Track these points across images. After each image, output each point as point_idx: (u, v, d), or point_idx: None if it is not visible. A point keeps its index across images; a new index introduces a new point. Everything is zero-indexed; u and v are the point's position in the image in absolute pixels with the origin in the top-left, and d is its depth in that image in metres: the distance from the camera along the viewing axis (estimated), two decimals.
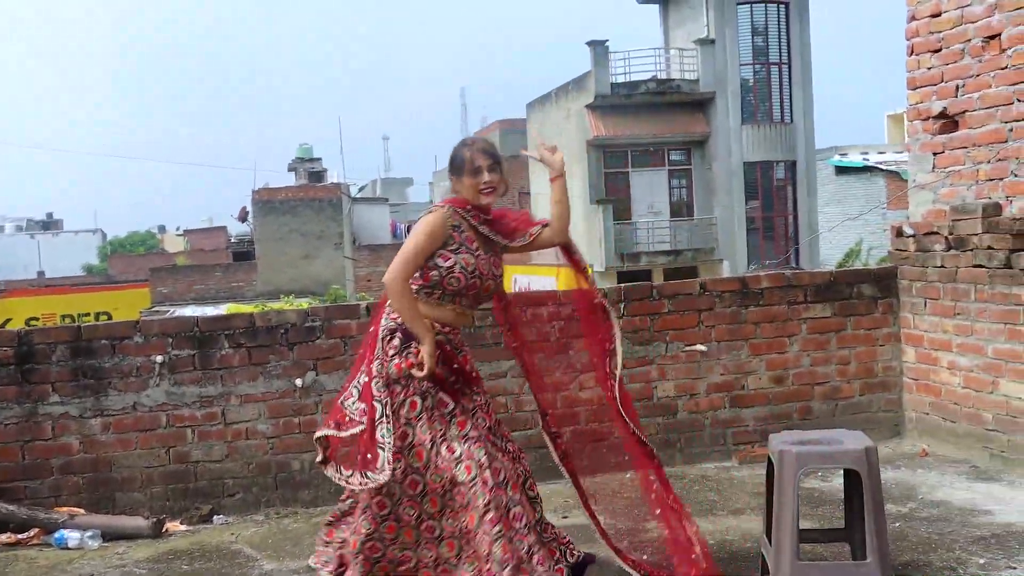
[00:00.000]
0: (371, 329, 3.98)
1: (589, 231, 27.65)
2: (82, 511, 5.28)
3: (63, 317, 34.29)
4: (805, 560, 3.82)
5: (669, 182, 28.72)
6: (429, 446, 3.78)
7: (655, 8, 31.35)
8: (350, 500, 4.09)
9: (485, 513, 3.70)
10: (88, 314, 34.79)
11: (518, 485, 3.94)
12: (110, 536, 5.14)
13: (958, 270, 5.73)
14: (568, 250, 4.39)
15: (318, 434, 3.95)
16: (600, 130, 27.34)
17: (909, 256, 6.16)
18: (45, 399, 5.37)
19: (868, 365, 6.25)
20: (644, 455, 4.33)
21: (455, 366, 3.94)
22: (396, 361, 3.81)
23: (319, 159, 52.19)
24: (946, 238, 5.82)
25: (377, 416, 3.77)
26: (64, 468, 5.40)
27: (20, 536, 5.14)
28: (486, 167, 3.93)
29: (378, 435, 3.75)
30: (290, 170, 48.87)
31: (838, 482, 5.22)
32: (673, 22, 30.39)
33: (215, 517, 5.46)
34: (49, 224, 79.44)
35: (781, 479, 3.75)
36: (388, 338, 3.86)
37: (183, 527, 5.34)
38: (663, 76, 28.37)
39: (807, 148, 28.41)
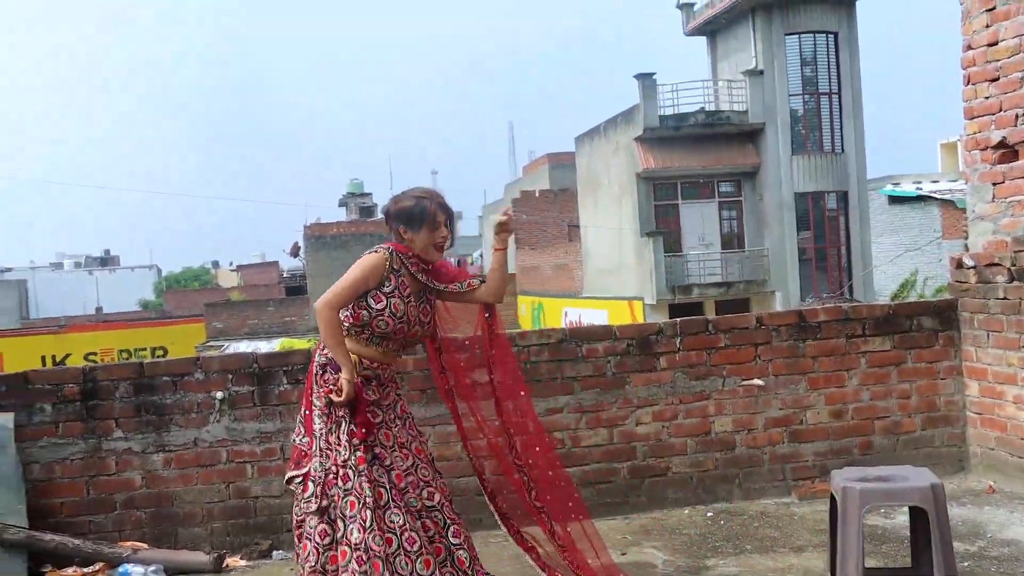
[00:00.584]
0: (310, 367, 4.13)
1: (640, 263, 27.61)
2: (145, 545, 5.34)
3: (120, 352, 34.90)
4: None
5: (720, 214, 28.63)
6: (334, 470, 3.92)
7: (703, 40, 31.41)
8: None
9: (355, 551, 3.80)
10: (144, 348, 35.36)
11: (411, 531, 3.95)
12: (172, 571, 5.19)
13: (1022, 302, 5.64)
14: (492, 313, 4.38)
15: (287, 476, 4.13)
16: (649, 162, 27.35)
17: (970, 288, 6.07)
18: (109, 435, 5.45)
19: (930, 399, 6.16)
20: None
21: (376, 399, 4.03)
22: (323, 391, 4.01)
23: (369, 194, 52.77)
24: (1008, 269, 5.73)
25: (313, 448, 3.99)
26: (127, 503, 5.47)
27: (85, 570, 5.20)
28: (443, 222, 4.08)
29: (312, 467, 3.97)
30: (341, 205, 49.48)
31: (902, 519, 5.15)
32: (721, 53, 30.43)
33: (274, 552, 5.50)
34: (107, 260, 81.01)
35: (845, 517, 3.71)
36: (320, 372, 4.04)
37: (243, 562, 5.38)
38: (712, 108, 28.37)
39: (859, 178, 28.19)
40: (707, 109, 28.19)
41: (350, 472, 3.89)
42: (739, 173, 28.20)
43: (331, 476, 3.92)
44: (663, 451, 5.87)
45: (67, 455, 5.40)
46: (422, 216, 4.03)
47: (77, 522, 5.40)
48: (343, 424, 3.93)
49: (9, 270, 67.71)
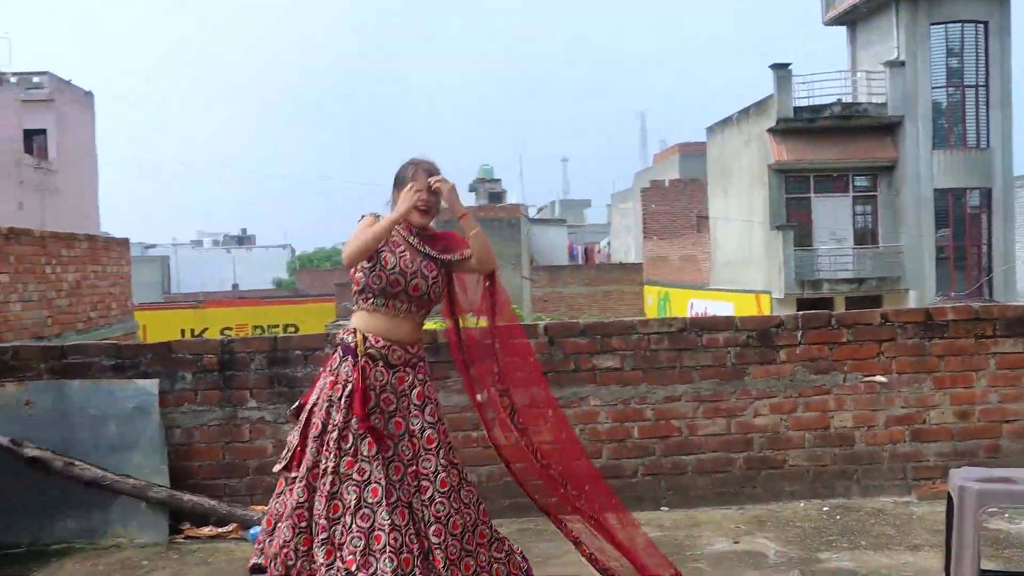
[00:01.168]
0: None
1: (768, 257, 27.17)
2: None
3: (254, 328, 36.16)
4: None
5: (853, 208, 27.89)
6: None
7: (842, 30, 30.62)
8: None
9: (339, 550, 3.80)
10: (277, 325, 36.55)
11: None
12: None
13: None
14: (491, 281, 4.22)
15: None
16: (782, 155, 26.84)
17: None
18: (244, 404, 5.74)
19: None
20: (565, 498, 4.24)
21: (386, 382, 3.94)
22: (330, 370, 3.99)
23: (499, 180, 53.18)
24: None
25: (301, 418, 4.01)
26: (259, 469, 5.76)
27: (220, 530, 5.52)
28: (423, 187, 4.02)
29: (291, 434, 4.05)
30: (470, 190, 50.01)
31: None
32: (861, 43, 29.60)
33: None
34: (243, 240, 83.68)
35: (961, 516, 3.67)
36: (331, 353, 4.10)
37: None
38: (849, 99, 27.64)
39: (1004, 174, 27.05)
40: (844, 101, 27.48)
41: (337, 478, 3.86)
42: (875, 167, 27.41)
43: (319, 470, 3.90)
44: (780, 444, 5.86)
45: (205, 421, 5.72)
46: (402, 179, 4.08)
47: (213, 485, 5.71)
48: (337, 411, 3.91)
49: (153, 247, 70.69)
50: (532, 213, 51.20)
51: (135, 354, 5.70)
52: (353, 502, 3.81)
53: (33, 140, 29.96)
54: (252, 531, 5.43)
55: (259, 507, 5.60)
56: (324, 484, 3.87)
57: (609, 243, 56.02)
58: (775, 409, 5.86)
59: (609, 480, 5.67)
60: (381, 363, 3.96)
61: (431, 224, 4.14)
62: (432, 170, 4.08)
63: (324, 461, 3.90)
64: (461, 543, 3.98)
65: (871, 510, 5.61)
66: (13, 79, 29.43)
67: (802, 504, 5.77)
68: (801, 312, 6.09)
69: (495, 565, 4.06)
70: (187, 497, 5.52)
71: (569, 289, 41.38)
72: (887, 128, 27.08)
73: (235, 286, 62.96)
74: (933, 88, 27.08)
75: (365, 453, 3.85)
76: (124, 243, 16.59)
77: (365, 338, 3.96)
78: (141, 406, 5.56)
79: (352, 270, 4.01)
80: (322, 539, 3.83)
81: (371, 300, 4.01)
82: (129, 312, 16.41)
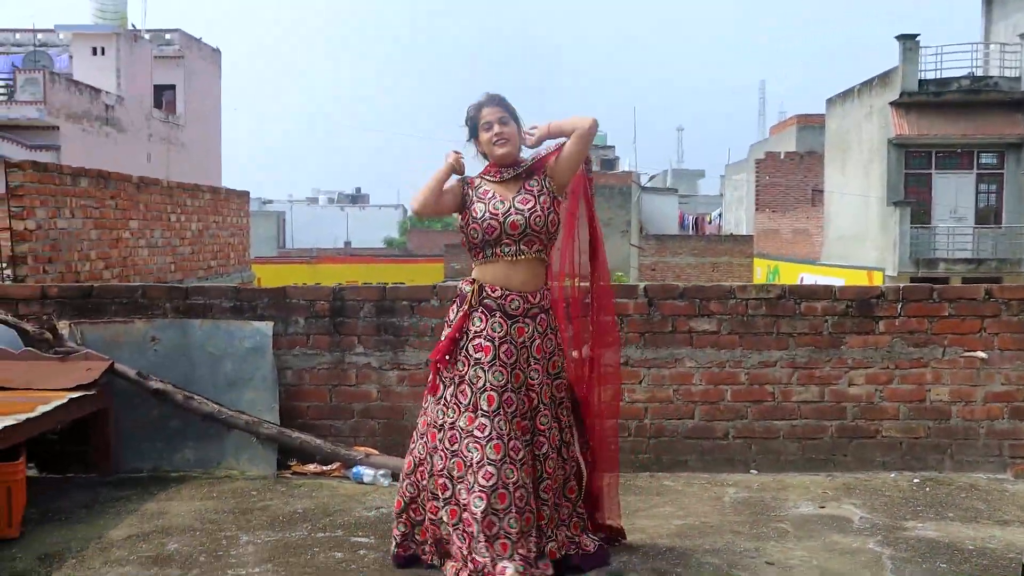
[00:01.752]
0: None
1: (884, 233, 26.56)
2: (376, 452, 5.89)
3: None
4: None
5: (976, 186, 27.00)
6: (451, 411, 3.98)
7: (977, 1, 29.52)
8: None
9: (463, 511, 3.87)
10: (386, 284, 37.26)
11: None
12: (398, 477, 5.69)
13: None
14: (584, 164, 4.23)
15: None
16: (904, 129, 26.13)
17: None
18: (351, 350, 6.02)
19: None
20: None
21: (504, 334, 3.95)
22: (447, 322, 4.10)
23: (612, 147, 52.97)
24: None
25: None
26: (363, 412, 6.04)
27: (324, 467, 5.82)
28: (496, 120, 4.06)
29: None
30: None
31: None
32: (997, 15, 28.51)
33: None
34: (357, 198, 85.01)
35: None
36: (450, 304, 4.19)
37: None
38: (980, 73, 26.69)
39: None
40: (975, 74, 26.55)
41: (457, 434, 3.93)
42: (1003, 144, 26.44)
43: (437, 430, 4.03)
44: (874, 414, 5.88)
45: (315, 364, 6.02)
46: (473, 126, 4.15)
47: (319, 425, 6.01)
48: (469, 363, 3.96)
49: (270, 202, 72.50)
50: (644, 181, 50.86)
51: (252, 298, 6.03)
52: (475, 460, 3.83)
53: (163, 95, 31.09)
54: (355, 470, 5.72)
55: (362, 448, 5.89)
56: (444, 441, 3.94)
57: (721, 214, 55.34)
58: (870, 379, 5.87)
59: (700, 441, 5.84)
60: (499, 313, 3.96)
61: (522, 155, 4.14)
62: (497, 101, 4.11)
63: (442, 416, 3.98)
64: (561, 500, 4.07)
65: (963, 484, 5.60)
66: (146, 36, 30.56)
67: (892, 475, 5.79)
68: (902, 284, 6.06)
69: (574, 519, 4.13)
70: (295, 435, 5.83)
71: (678, 259, 41.11)
72: (1019, 104, 26.07)
73: (347, 244, 64.22)
74: None
75: (485, 408, 3.86)
76: (244, 196, 17.20)
77: (481, 288, 4.00)
78: (256, 347, 5.89)
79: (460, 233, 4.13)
80: (445, 498, 3.90)
81: (480, 253, 4.05)
82: (247, 263, 17.04)
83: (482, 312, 3.97)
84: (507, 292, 3.97)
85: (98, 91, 26.11)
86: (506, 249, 3.99)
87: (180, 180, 15.37)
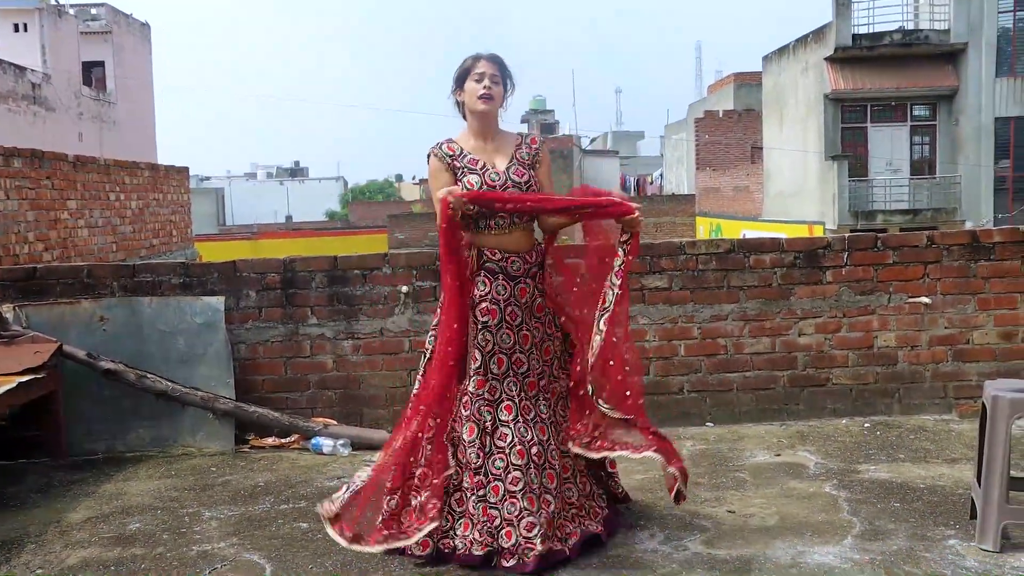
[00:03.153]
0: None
1: (823, 187, 26.93)
2: (334, 422, 5.89)
3: None
4: (1015, 505, 3.86)
5: (911, 138, 27.44)
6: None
7: None
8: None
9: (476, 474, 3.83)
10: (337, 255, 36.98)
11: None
12: (358, 446, 5.71)
13: None
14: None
15: None
16: (839, 83, 26.43)
17: None
18: (305, 321, 5.99)
19: None
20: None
21: (508, 296, 3.94)
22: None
23: (552, 111, 52.97)
24: None
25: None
26: (319, 383, 6.02)
27: (283, 440, 5.80)
28: (489, 75, 3.99)
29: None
30: (523, 121, 49.89)
31: None
32: None
33: None
34: (296, 172, 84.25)
35: (994, 424, 3.80)
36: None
37: None
38: (910, 27, 27.05)
39: None
40: (905, 28, 26.90)
41: (470, 399, 3.90)
42: (935, 96, 26.87)
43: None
44: (824, 362, 5.99)
45: (268, 338, 5.98)
46: (464, 72, 4.03)
47: (276, 398, 5.99)
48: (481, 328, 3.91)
49: (208, 179, 71.53)
50: (585, 144, 50.97)
51: (202, 273, 5.96)
52: (489, 423, 3.86)
53: (92, 72, 30.38)
54: (314, 441, 5.71)
55: (319, 419, 5.88)
56: (458, 407, 3.90)
57: (662, 175, 55.67)
58: (820, 329, 5.98)
59: (655, 396, 5.91)
60: (501, 276, 3.95)
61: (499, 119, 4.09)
62: (495, 58, 4.05)
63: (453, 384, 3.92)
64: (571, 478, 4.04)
65: (912, 427, 5.74)
66: (71, 11, 29.78)
67: (844, 421, 5.92)
68: (848, 234, 6.17)
69: (578, 475, 4.09)
70: (252, 409, 5.80)
71: None
72: (949, 56, 26.48)
73: (288, 218, 63.67)
74: (1000, 13, 26.36)
75: (495, 371, 3.89)
76: (183, 172, 16.95)
77: (480, 252, 3.96)
78: (208, 322, 5.83)
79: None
80: (464, 462, 3.86)
81: (475, 225, 3.96)
82: (189, 240, 16.82)
83: (485, 276, 3.96)
84: (507, 254, 3.97)
85: (23, 69, 25.43)
86: (500, 221, 3.97)
87: (115, 158, 15.07)
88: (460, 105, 4.10)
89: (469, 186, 3.91)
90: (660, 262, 5.95)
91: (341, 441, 5.69)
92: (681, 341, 5.97)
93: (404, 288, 5.95)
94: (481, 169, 3.98)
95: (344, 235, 43.53)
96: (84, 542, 4.29)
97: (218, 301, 5.88)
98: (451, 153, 4.01)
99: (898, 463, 5.02)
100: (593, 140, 58.68)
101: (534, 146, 4.13)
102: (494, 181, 3.96)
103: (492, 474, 3.82)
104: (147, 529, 4.42)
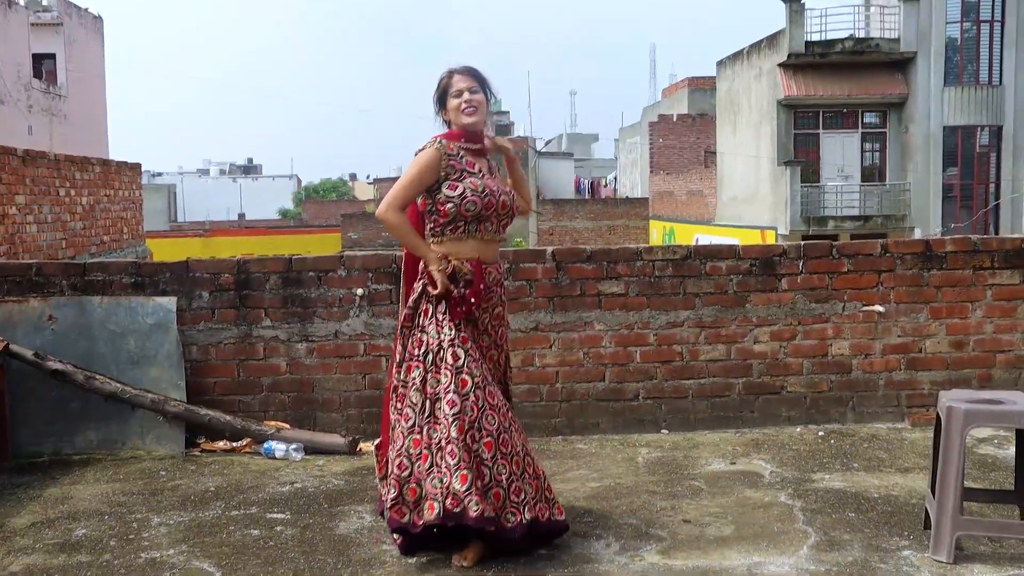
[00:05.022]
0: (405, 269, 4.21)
1: (775, 193, 27.19)
2: (287, 426, 5.81)
3: None
4: (968, 516, 3.90)
5: (861, 145, 27.83)
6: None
7: None
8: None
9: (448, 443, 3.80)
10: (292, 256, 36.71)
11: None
12: (311, 450, 5.64)
13: None
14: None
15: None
16: (791, 90, 26.72)
17: None
18: (258, 323, 5.90)
19: None
20: None
21: (473, 300, 3.97)
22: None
23: (507, 112, 52.93)
24: None
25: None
26: (273, 386, 5.93)
27: (235, 444, 5.71)
28: (467, 88, 4.03)
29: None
30: None
31: (1014, 451, 5.20)
32: None
33: None
34: (249, 169, 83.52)
35: (948, 435, 3.83)
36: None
37: (374, 447, 5.79)
38: (862, 34, 27.41)
39: (1017, 112, 26.82)
40: (857, 36, 27.25)
41: (449, 357, 3.88)
42: (885, 104, 27.28)
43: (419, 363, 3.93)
44: (779, 370, 6.02)
45: (221, 339, 5.89)
46: (443, 91, 4.07)
47: (228, 401, 5.90)
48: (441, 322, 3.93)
49: (160, 175, 70.60)
50: (539, 146, 51.03)
51: (154, 272, 5.85)
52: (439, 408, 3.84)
53: (42, 64, 29.83)
54: (266, 445, 5.63)
55: (272, 423, 5.80)
56: (408, 398, 3.90)
57: (616, 178, 55.90)
58: (775, 336, 6.01)
59: (611, 403, 5.92)
60: (470, 288, 4.00)
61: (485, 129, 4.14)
62: (470, 71, 4.08)
63: (405, 376, 3.96)
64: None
65: (865, 435, 5.79)
66: (22, 2, 29.21)
67: (798, 429, 5.95)
68: (803, 242, 6.21)
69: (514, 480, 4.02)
70: (203, 412, 5.70)
71: (575, 223, 41.43)
72: (899, 64, 26.90)
73: (241, 216, 63.05)
74: (948, 23, 26.78)
75: (450, 363, 3.86)
76: (136, 168, 16.69)
77: (460, 263, 3.96)
78: (160, 323, 5.73)
79: (434, 204, 3.96)
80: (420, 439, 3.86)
81: (462, 227, 3.98)
82: (141, 237, 16.57)
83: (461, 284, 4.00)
84: (484, 265, 4.04)
85: None
86: (489, 227, 4.04)
87: (65, 153, 14.79)
88: (448, 124, 4.12)
89: (473, 187, 3.95)
90: (616, 268, 5.94)
91: (294, 446, 5.62)
92: (637, 348, 5.97)
93: (359, 291, 5.89)
94: (479, 173, 4.04)
95: (297, 233, 43.23)
96: (28, 548, 4.19)
97: (170, 301, 5.77)
98: (451, 153, 4.02)
99: (852, 472, 5.05)
100: (548, 143, 58.75)
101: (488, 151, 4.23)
102: (495, 187, 4.04)
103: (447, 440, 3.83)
104: (94, 535, 4.32)
